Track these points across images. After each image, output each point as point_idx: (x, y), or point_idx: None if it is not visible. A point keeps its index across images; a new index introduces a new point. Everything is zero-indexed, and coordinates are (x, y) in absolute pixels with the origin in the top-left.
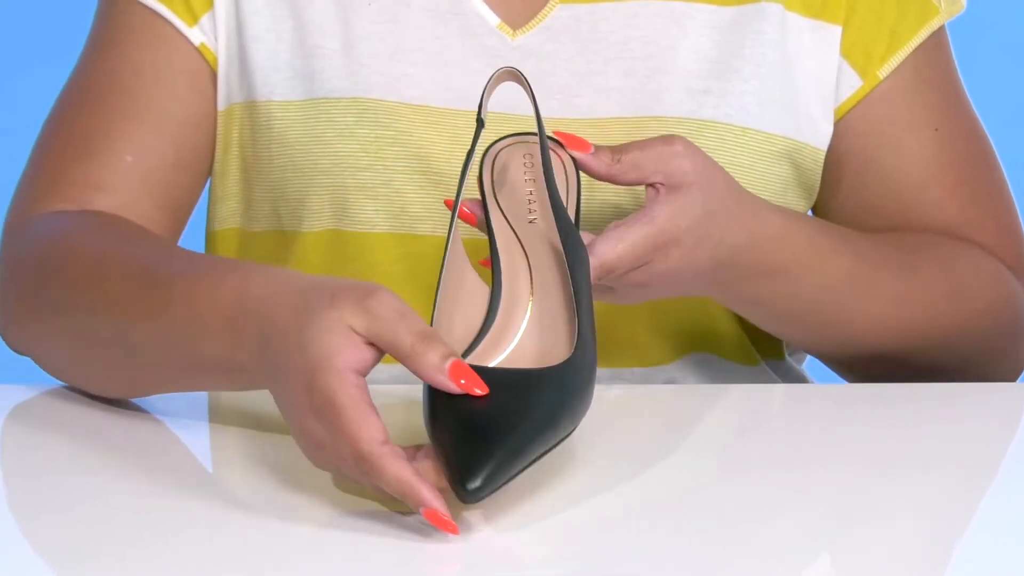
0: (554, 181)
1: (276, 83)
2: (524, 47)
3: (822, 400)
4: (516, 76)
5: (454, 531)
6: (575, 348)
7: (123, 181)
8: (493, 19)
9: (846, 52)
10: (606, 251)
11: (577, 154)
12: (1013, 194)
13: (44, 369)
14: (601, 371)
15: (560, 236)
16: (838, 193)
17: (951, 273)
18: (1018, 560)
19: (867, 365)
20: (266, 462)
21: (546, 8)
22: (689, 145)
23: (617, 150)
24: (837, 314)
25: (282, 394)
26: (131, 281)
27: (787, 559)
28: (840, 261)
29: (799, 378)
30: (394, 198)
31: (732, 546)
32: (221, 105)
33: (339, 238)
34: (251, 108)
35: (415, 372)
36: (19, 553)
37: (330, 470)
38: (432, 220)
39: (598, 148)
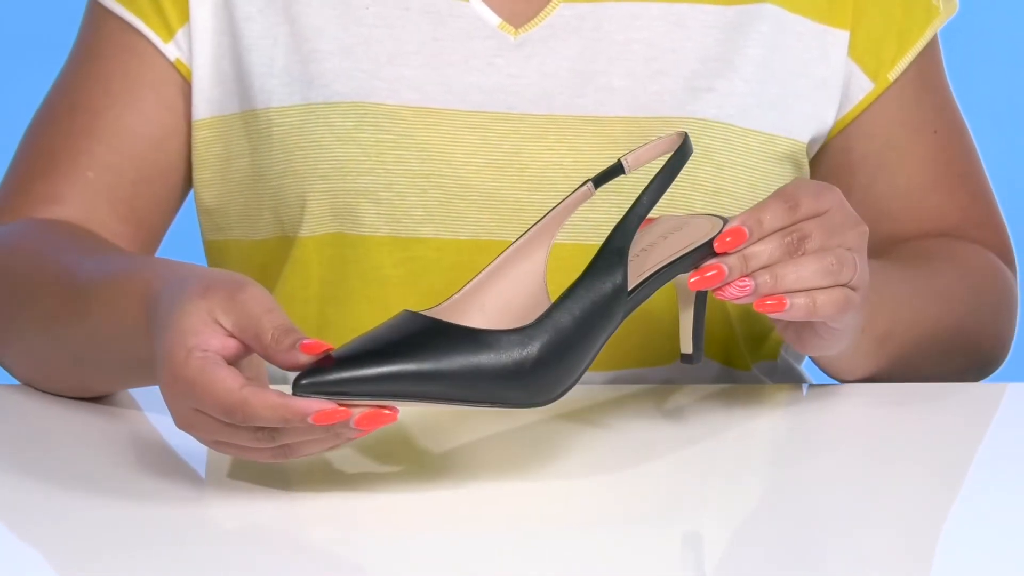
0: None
1: (273, 89)
2: (525, 45)
3: (821, 400)
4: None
5: (345, 416)
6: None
7: (83, 196)
8: (494, 19)
9: (856, 55)
10: (784, 186)
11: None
12: (1012, 193)
13: (8, 371)
14: (595, 374)
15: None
16: (849, 199)
17: (970, 278)
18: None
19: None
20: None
21: (549, 7)
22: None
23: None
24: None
25: (159, 381)
26: (59, 294)
27: (787, 558)
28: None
29: (796, 377)
30: (396, 202)
31: (732, 545)
32: (198, 116)
33: (339, 242)
34: (250, 117)
35: (273, 360)
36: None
37: (224, 449)
38: (433, 224)
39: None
